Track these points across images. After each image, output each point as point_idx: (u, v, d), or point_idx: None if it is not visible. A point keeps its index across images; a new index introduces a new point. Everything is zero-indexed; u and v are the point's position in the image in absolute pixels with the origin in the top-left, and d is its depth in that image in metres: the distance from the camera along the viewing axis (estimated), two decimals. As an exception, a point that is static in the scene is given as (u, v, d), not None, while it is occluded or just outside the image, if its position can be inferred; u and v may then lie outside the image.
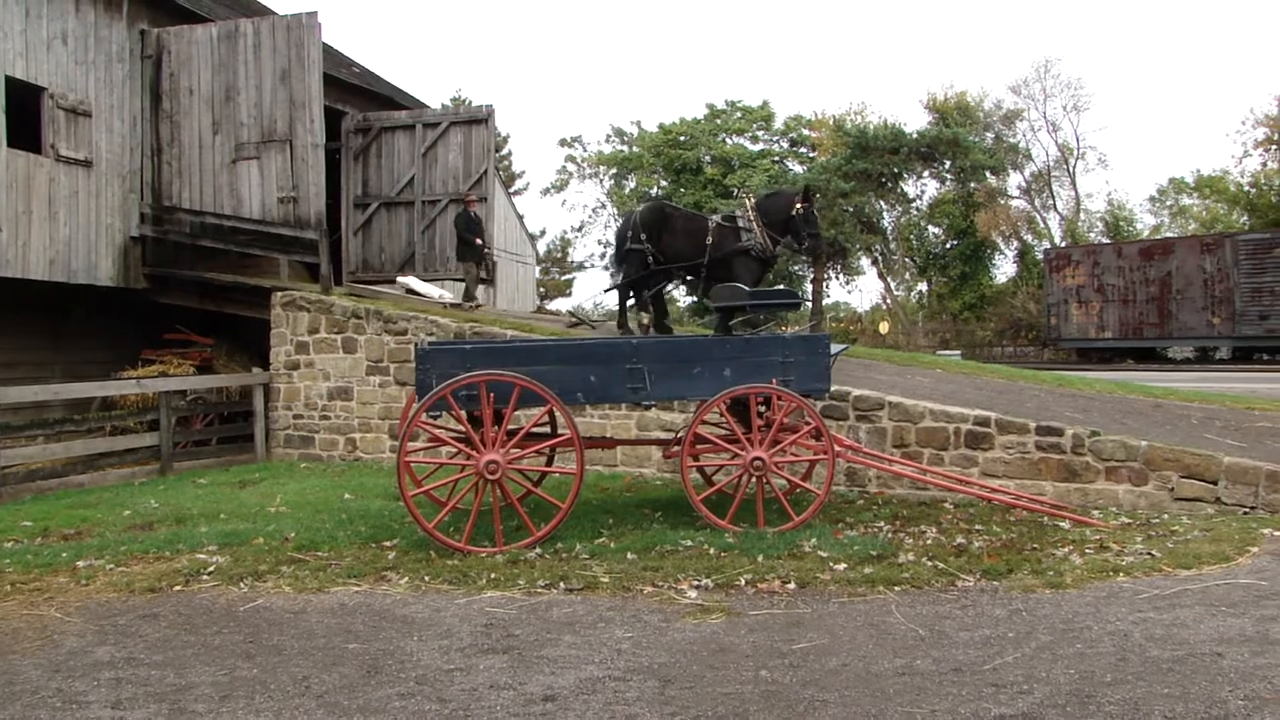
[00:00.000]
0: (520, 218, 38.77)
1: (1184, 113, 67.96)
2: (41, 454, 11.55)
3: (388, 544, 7.67)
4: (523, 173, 55.63)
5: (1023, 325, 35.42)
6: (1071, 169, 41.04)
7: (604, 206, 54.00)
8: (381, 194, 17.12)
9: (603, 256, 54.70)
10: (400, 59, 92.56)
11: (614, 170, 51.08)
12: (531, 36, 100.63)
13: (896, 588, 6.06)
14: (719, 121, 46.98)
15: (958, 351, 31.83)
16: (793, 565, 6.61)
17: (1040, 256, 34.41)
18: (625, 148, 50.66)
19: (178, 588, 6.61)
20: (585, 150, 54.64)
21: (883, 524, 8.03)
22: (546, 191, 56.14)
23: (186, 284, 15.35)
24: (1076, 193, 40.90)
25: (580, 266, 57.64)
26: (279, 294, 14.07)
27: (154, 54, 15.27)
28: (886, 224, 40.99)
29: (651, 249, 11.59)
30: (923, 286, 44.18)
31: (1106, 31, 73.37)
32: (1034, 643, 4.93)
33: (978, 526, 7.77)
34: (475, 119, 16.93)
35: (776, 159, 45.50)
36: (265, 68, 15.04)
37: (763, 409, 8.23)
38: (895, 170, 38.30)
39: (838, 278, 43.14)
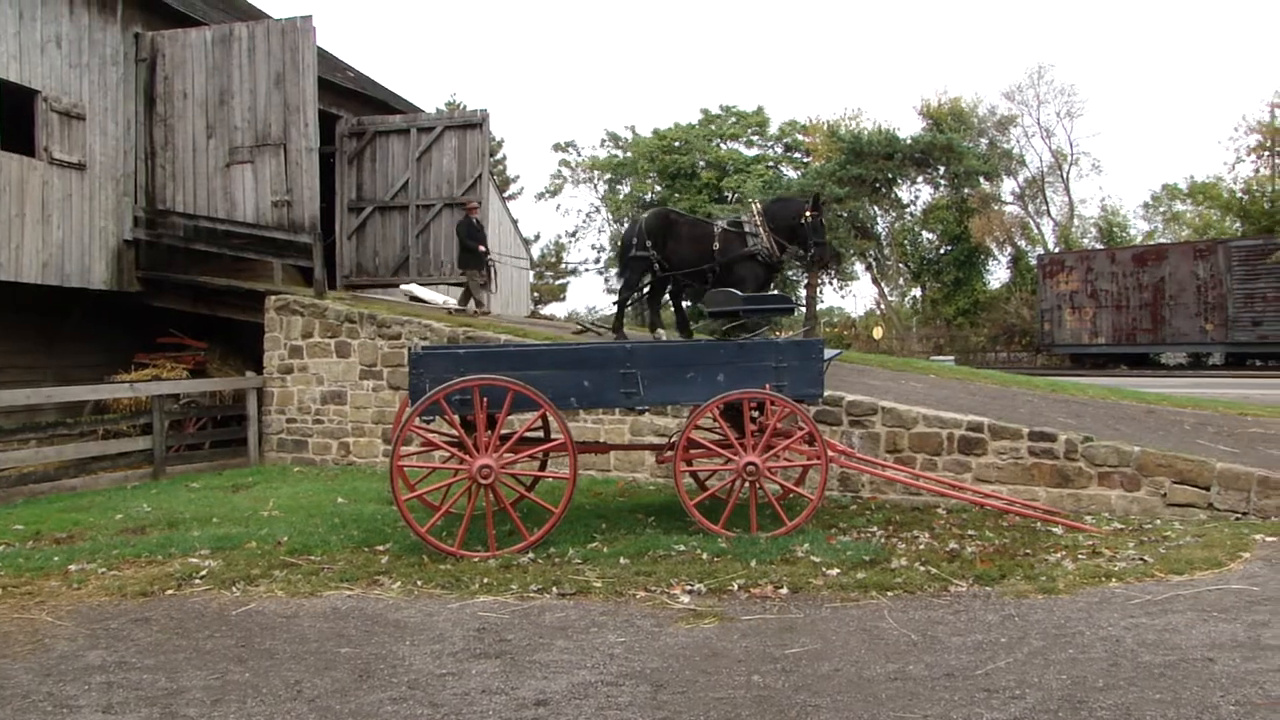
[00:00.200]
0: (514, 222, 38.81)
1: (1177, 119, 68.24)
2: (34, 457, 11.51)
3: (380, 548, 7.66)
4: (517, 177, 55.78)
5: (1016, 331, 35.51)
6: (1065, 175, 41.17)
7: (598, 211, 54.16)
8: (376, 198, 17.10)
9: (597, 261, 54.83)
10: (395, 63, 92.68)
11: (608, 175, 51.17)
12: (526, 41, 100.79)
13: (889, 593, 6.07)
14: (714, 127, 47.10)
15: (951, 357, 31.88)
16: (785, 570, 6.61)
17: (1034, 262, 34.53)
18: (619, 153, 50.76)
19: (170, 592, 6.59)
20: (579, 155, 54.78)
21: (876, 529, 8.04)
22: (541, 196, 56.34)
23: (180, 288, 15.32)
24: (1070, 199, 41.02)
25: (574, 271, 57.76)
26: (273, 298, 14.05)
27: (148, 57, 15.26)
28: (880, 229, 41.05)
29: (657, 256, 11.57)
30: (916, 292, 44.26)
31: (1100, 38, 73.69)
32: (1026, 648, 4.94)
33: (970, 532, 7.78)
34: (470, 123, 16.93)
35: (771, 164, 45.63)
36: (260, 71, 15.04)
37: (756, 414, 8.24)
38: (889, 176, 38.36)
39: (832, 283, 43.22)
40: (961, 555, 6.94)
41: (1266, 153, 33.11)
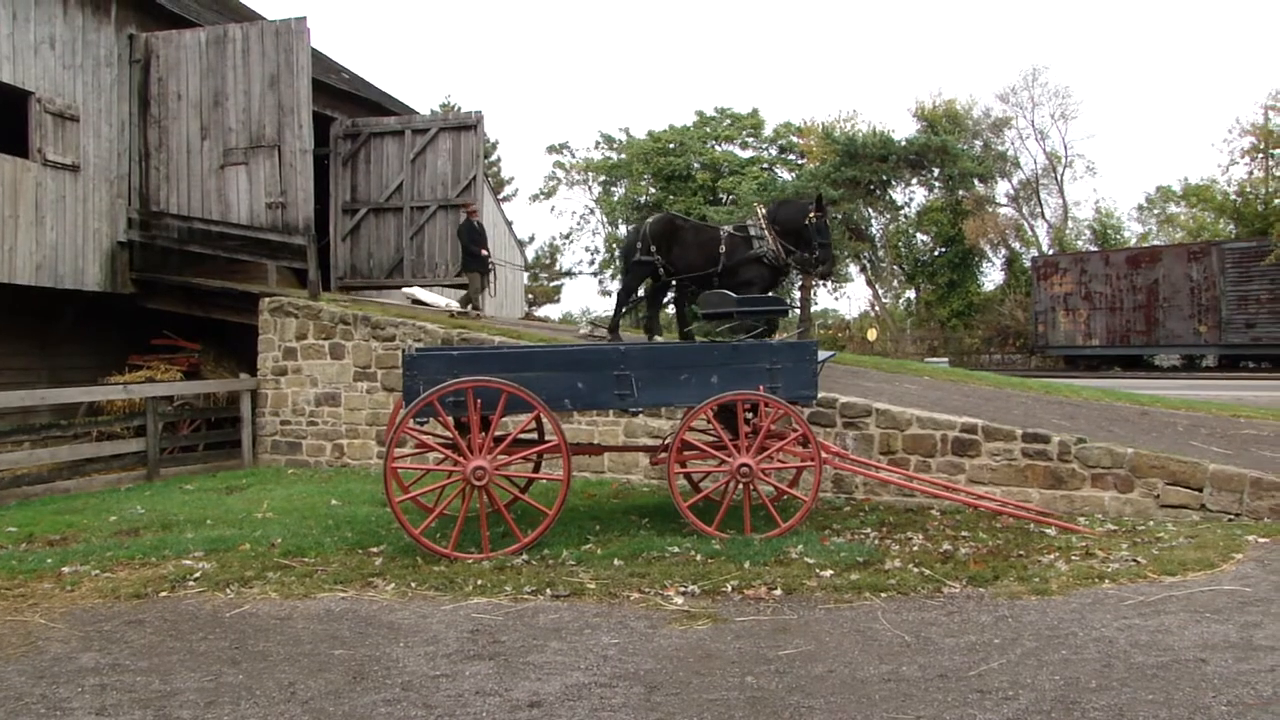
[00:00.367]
0: (509, 224, 38.78)
1: (1171, 122, 68.41)
2: (27, 459, 11.48)
3: (374, 550, 7.65)
4: (511, 179, 55.69)
5: (1010, 333, 35.55)
6: (1059, 177, 41.19)
7: (592, 213, 54.14)
8: (370, 200, 17.11)
9: (591, 263, 54.84)
10: (389, 65, 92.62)
11: (603, 177, 51.17)
12: (520, 43, 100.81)
13: (883, 594, 6.08)
14: (708, 128, 47.09)
15: (945, 359, 31.90)
16: (779, 572, 6.62)
17: (1028, 264, 34.57)
18: (614, 155, 50.75)
19: (164, 594, 6.58)
20: (573, 157, 54.77)
21: (869, 530, 8.05)
22: (535, 198, 56.36)
23: (174, 289, 15.30)
24: (1064, 201, 41.03)
25: (569, 273, 57.78)
26: (267, 299, 14.04)
27: (142, 59, 15.23)
28: (875, 231, 41.10)
29: (661, 261, 11.54)
30: (911, 294, 44.28)
31: (1094, 40, 73.88)
32: (1019, 649, 4.95)
33: (964, 533, 7.79)
34: (464, 125, 16.95)
35: (766, 166, 45.62)
36: (254, 73, 15.03)
37: (750, 416, 8.25)
38: (884, 178, 38.42)
39: (826, 284, 43.24)
40: (955, 557, 6.95)
41: (1260, 155, 33.16)
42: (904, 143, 37.61)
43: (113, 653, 5.33)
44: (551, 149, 55.50)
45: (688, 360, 8.08)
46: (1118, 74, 70.62)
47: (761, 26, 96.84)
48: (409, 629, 5.64)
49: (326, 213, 17.10)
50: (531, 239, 56.53)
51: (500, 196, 47.97)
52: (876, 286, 43.70)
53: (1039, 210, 41.05)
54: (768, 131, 47.41)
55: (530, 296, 49.74)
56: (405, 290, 16.93)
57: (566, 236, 57.76)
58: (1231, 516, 8.00)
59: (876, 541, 7.57)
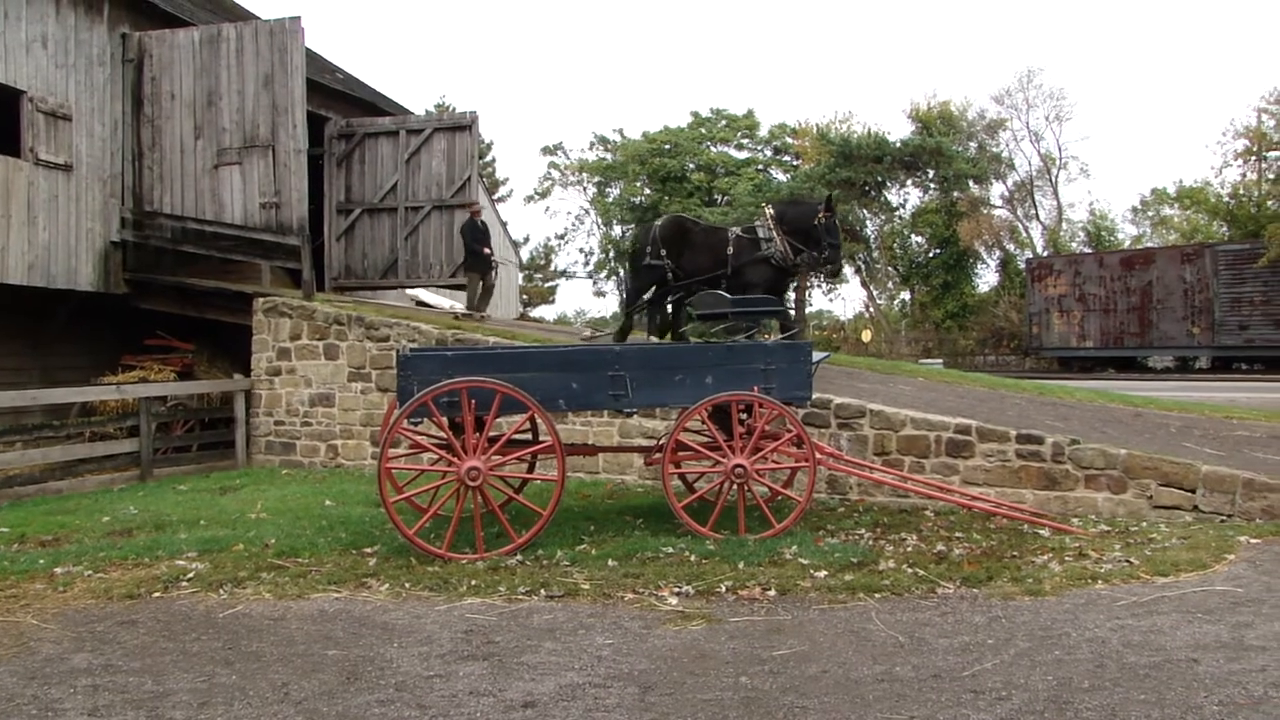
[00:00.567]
0: (504, 225, 38.75)
1: (1166, 124, 68.64)
2: (19, 460, 11.44)
3: (368, 550, 7.64)
4: (506, 180, 55.61)
5: (1004, 334, 35.63)
6: (1054, 179, 41.35)
7: (587, 214, 54.13)
8: (365, 200, 17.08)
9: (586, 264, 54.84)
10: (384, 65, 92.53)
11: (597, 178, 51.17)
12: (515, 44, 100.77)
13: (877, 595, 6.08)
14: (703, 129, 47.14)
15: (940, 360, 31.98)
16: (773, 572, 6.62)
17: (1022, 266, 34.65)
18: (609, 156, 50.75)
19: (156, 594, 6.57)
20: (568, 158, 54.78)
21: (863, 531, 8.06)
22: (530, 199, 56.23)
23: (167, 289, 15.25)
24: (1059, 202, 41.21)
25: (563, 274, 57.75)
26: (261, 300, 14.00)
27: (135, 58, 15.20)
28: (870, 232, 41.20)
29: (670, 264, 11.51)
30: (905, 295, 44.38)
31: (1089, 42, 74.06)
32: (1013, 649, 4.96)
33: (958, 534, 7.81)
34: (459, 125, 16.93)
35: (761, 167, 45.71)
36: (248, 73, 15.00)
37: (744, 416, 8.25)
38: (879, 179, 38.54)
39: (821, 285, 43.30)
40: (949, 557, 6.96)
41: (1253, 157, 33.29)
42: (899, 144, 37.71)
43: (105, 653, 5.31)
44: (546, 150, 55.55)
45: (682, 361, 8.08)
46: (1112, 76, 70.88)
47: (757, 27, 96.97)
48: (403, 629, 5.64)
49: (320, 213, 17.06)
50: (526, 240, 56.55)
51: (495, 197, 47.91)
52: (871, 288, 43.80)
53: (1033, 212, 41.21)
54: (763, 133, 47.51)
55: (525, 297, 49.73)
56: (409, 292, 16.89)
57: (561, 237, 57.65)
58: (1224, 517, 8.02)
59: (871, 542, 7.58)
